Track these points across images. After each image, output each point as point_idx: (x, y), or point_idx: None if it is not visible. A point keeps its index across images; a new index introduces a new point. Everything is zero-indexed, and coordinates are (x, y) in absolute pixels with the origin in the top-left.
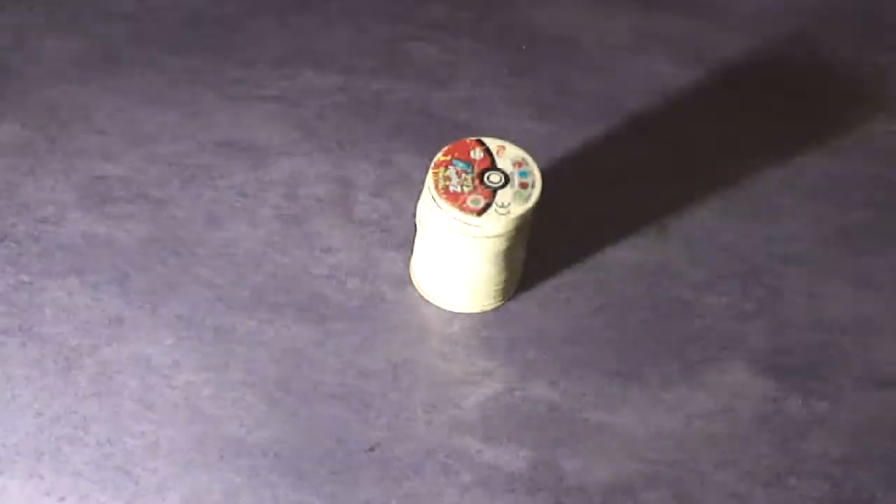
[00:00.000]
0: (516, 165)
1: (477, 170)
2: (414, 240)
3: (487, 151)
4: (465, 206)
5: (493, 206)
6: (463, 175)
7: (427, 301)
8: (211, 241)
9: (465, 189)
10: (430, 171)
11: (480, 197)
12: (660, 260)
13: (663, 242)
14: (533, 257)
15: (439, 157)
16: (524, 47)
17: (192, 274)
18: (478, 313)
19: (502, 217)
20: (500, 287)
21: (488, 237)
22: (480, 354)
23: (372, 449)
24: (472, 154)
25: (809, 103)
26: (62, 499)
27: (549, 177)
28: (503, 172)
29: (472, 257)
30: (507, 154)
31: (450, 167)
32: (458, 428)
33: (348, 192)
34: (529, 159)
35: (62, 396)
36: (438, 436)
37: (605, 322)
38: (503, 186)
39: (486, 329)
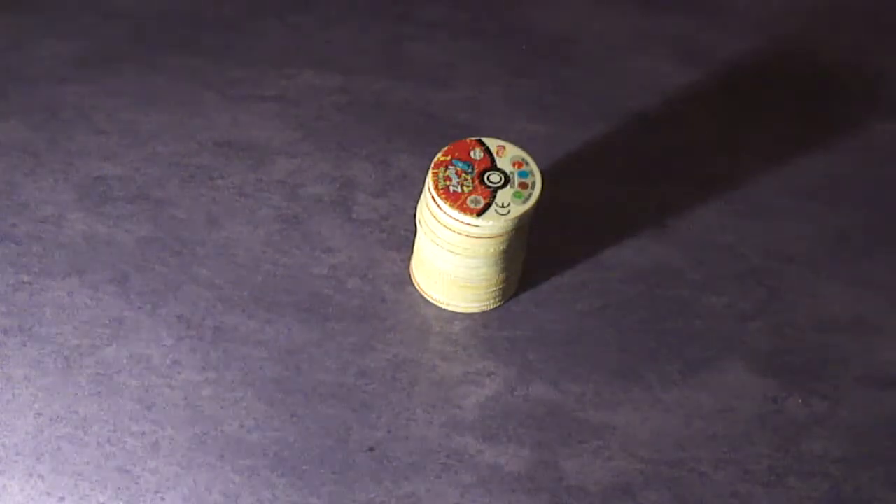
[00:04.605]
0: (516, 165)
1: (477, 170)
2: (414, 240)
3: (487, 151)
4: (464, 206)
5: (493, 206)
6: (463, 175)
7: (427, 301)
8: (211, 241)
9: (465, 189)
10: (430, 171)
11: (480, 197)
12: (660, 260)
13: (663, 242)
14: (533, 257)
15: (439, 157)
16: (524, 47)
17: (192, 274)
18: (478, 313)
19: (502, 217)
20: (500, 287)
21: (488, 237)
22: (480, 354)
23: (372, 449)
24: (472, 154)
25: (809, 103)
26: (62, 499)
27: (549, 177)
28: (503, 172)
29: (472, 257)
30: (507, 154)
31: (450, 167)
32: (458, 428)
33: (348, 192)
34: (529, 159)
35: (62, 396)
36: (438, 436)
37: (605, 322)
38: (503, 186)
39: (486, 329)
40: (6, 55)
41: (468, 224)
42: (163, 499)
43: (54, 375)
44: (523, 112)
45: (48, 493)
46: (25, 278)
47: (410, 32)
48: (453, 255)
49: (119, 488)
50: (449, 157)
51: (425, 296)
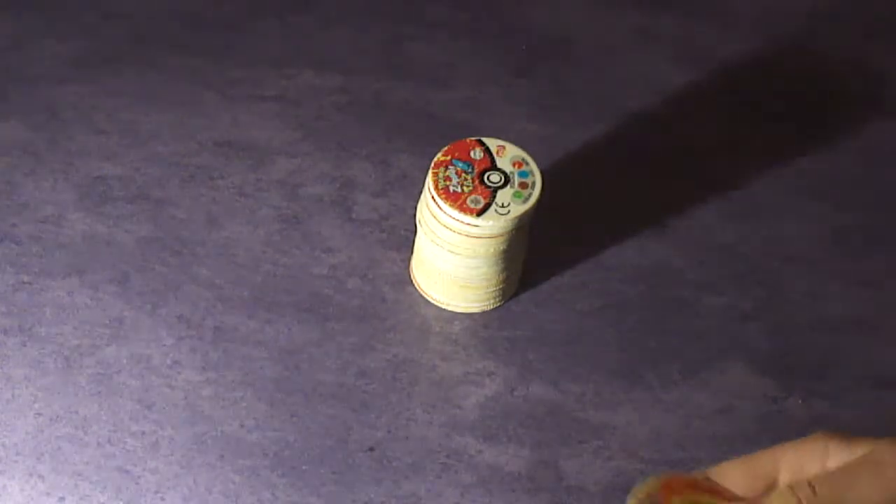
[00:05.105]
0: (516, 165)
1: (477, 170)
2: (414, 240)
3: (487, 151)
4: (464, 206)
5: (493, 206)
6: (463, 175)
7: (427, 301)
8: (211, 241)
9: (465, 189)
10: (430, 171)
11: (480, 197)
12: (660, 260)
13: (663, 242)
14: (533, 257)
15: (439, 157)
16: (524, 47)
17: (192, 274)
18: (478, 313)
19: (502, 217)
20: (500, 287)
21: (488, 237)
22: (480, 354)
23: (372, 449)
24: (472, 154)
25: (809, 103)
26: (62, 499)
27: (549, 177)
28: (503, 172)
29: (472, 257)
30: (507, 154)
31: (450, 167)
32: (458, 428)
33: (348, 192)
34: (529, 159)
35: (62, 396)
36: (438, 436)
37: (605, 322)
38: (503, 186)
39: (486, 329)
40: (6, 55)
41: (468, 224)
42: (163, 499)
43: (54, 375)
44: (523, 112)
45: (48, 493)
46: (25, 278)
47: (410, 32)
48: (453, 255)
49: (119, 488)
50: (449, 157)
51: (425, 296)
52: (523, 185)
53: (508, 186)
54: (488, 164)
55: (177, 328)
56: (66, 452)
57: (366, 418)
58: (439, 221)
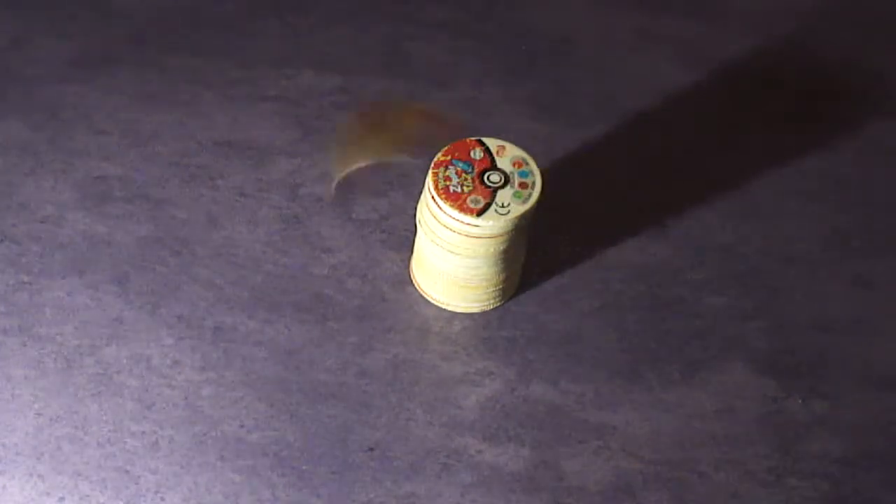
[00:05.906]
0: (516, 165)
1: (477, 170)
2: (414, 240)
3: (487, 151)
4: (464, 206)
5: (493, 206)
6: (463, 175)
7: (427, 301)
8: (211, 241)
9: (465, 189)
10: (430, 171)
11: (480, 197)
12: (660, 260)
13: (663, 242)
14: (533, 257)
15: (439, 157)
16: (524, 47)
17: (192, 274)
18: (478, 313)
19: (502, 217)
20: (500, 287)
21: (488, 237)
22: (480, 354)
23: (372, 449)
24: (472, 154)
25: (809, 103)
26: (62, 499)
27: (549, 177)
28: (503, 172)
29: (472, 257)
30: (507, 154)
31: (450, 167)
32: (458, 428)
33: (348, 193)
34: (529, 159)
35: (62, 396)
36: (438, 436)
37: (605, 322)
38: (503, 186)
39: (486, 329)
40: (6, 55)
41: (468, 224)
42: (163, 499)
43: (54, 375)
44: (523, 112)
45: (48, 493)
46: (25, 278)
47: (410, 32)
48: (453, 255)
49: (119, 488)
50: (449, 157)
51: (425, 296)
52: (523, 185)
53: (508, 186)
54: (488, 164)
55: (177, 328)
56: (66, 452)
57: (366, 418)
58: (439, 221)
